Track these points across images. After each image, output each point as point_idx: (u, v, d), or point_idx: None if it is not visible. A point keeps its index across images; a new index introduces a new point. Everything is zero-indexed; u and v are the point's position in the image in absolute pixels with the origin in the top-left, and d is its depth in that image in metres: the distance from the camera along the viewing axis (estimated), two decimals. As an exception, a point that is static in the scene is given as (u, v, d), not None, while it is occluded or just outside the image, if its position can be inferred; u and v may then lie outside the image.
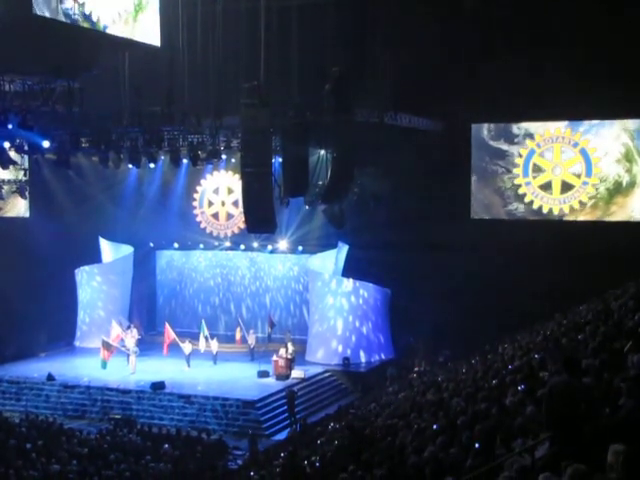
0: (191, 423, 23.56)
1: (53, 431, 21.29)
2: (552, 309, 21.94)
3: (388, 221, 28.51)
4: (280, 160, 22.93)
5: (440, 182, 28.11)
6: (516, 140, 29.39)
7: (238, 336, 31.13)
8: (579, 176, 28.52)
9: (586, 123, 28.43)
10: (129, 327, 29.80)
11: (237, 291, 34.15)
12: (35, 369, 27.99)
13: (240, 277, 34.20)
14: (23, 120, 19.45)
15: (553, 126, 28.88)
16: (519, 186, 29.43)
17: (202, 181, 33.13)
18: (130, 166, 26.67)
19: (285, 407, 24.20)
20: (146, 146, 24.07)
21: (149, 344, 30.75)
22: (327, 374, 28.11)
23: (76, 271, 32.75)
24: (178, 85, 22.56)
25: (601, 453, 5.44)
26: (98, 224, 32.12)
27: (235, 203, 32.18)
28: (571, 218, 28.62)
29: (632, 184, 27.95)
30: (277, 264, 33.56)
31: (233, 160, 29.22)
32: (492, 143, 29.72)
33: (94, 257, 32.89)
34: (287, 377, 26.38)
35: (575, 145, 28.55)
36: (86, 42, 20.77)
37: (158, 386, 25.25)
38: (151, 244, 34.21)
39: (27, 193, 28.73)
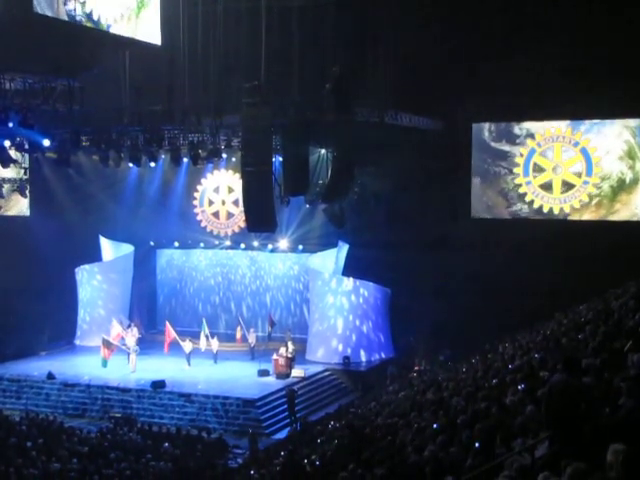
0: (191, 422, 23.55)
1: (53, 429, 21.30)
2: (552, 308, 21.95)
3: (388, 220, 28.55)
4: (280, 159, 22.95)
5: (440, 181, 28.14)
6: (518, 141, 29.36)
7: (238, 335, 31.17)
8: (580, 175, 28.52)
9: (587, 122, 28.43)
10: (129, 326, 29.84)
11: (237, 290, 34.17)
12: (35, 367, 27.98)
13: (240, 276, 34.21)
14: (24, 118, 19.47)
15: (553, 126, 28.87)
16: (519, 185, 29.43)
17: (202, 180, 33.12)
18: (130, 165, 26.68)
19: (285, 406, 24.20)
20: (146, 145, 24.08)
21: (149, 343, 30.74)
22: (327, 373, 28.13)
23: (76, 270, 32.75)
24: (179, 84, 22.58)
25: (601, 452, 5.44)
26: (98, 223, 32.13)
27: (235, 202, 32.17)
28: (576, 217, 28.58)
29: (635, 181, 27.93)
30: (277, 263, 33.57)
31: (234, 159, 29.21)
32: (493, 144, 29.70)
33: (94, 256, 32.89)
34: (287, 376, 26.39)
35: (576, 144, 28.54)
36: (87, 41, 20.74)
37: (158, 385, 25.27)
38: (151, 243, 34.20)
39: (27, 192, 28.78)
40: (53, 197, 31.87)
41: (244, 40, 22.24)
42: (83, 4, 19.51)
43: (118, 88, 23.03)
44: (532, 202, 29.24)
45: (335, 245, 30.06)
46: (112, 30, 20.58)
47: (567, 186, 28.73)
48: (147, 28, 21.93)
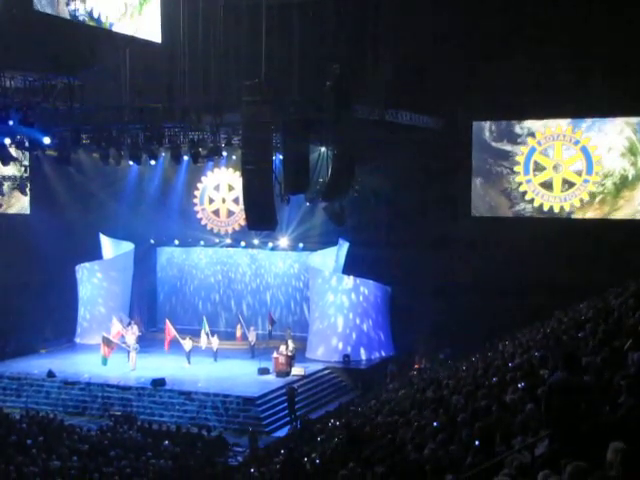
0: (191, 420, 23.54)
1: (53, 427, 21.29)
2: (552, 307, 21.94)
3: (388, 218, 28.56)
4: (281, 157, 22.96)
5: (441, 179, 28.14)
6: (519, 140, 29.30)
7: (239, 333, 31.19)
8: (580, 174, 28.49)
9: (588, 120, 28.37)
10: (130, 324, 29.85)
11: (238, 288, 34.16)
12: (36, 365, 27.98)
13: (241, 274, 34.21)
14: (24, 117, 19.45)
15: (554, 124, 28.84)
16: (520, 184, 29.40)
17: (203, 178, 33.12)
18: (131, 163, 26.67)
19: (285, 404, 24.21)
20: (147, 143, 24.07)
21: (149, 341, 30.76)
22: (327, 371, 28.13)
23: (77, 268, 32.75)
24: (179, 82, 22.58)
25: (601, 451, 5.45)
26: (99, 221, 32.14)
27: (236, 200, 32.17)
28: (579, 214, 28.53)
29: (638, 177, 27.82)
30: (278, 261, 33.56)
31: (234, 157, 29.24)
32: (494, 144, 29.65)
33: (95, 254, 32.87)
34: (287, 374, 26.39)
35: (576, 143, 28.51)
36: (87, 39, 20.78)
37: (158, 383, 25.27)
38: (152, 241, 34.19)
39: (28, 190, 28.76)
40: (53, 195, 31.85)
41: (244, 38, 22.24)
42: (84, 2, 19.52)
43: (118, 86, 23.04)
44: (532, 200, 29.20)
45: (335, 243, 30.04)
46: (114, 28, 20.59)
47: (567, 184, 28.69)
48: (148, 26, 21.95)
